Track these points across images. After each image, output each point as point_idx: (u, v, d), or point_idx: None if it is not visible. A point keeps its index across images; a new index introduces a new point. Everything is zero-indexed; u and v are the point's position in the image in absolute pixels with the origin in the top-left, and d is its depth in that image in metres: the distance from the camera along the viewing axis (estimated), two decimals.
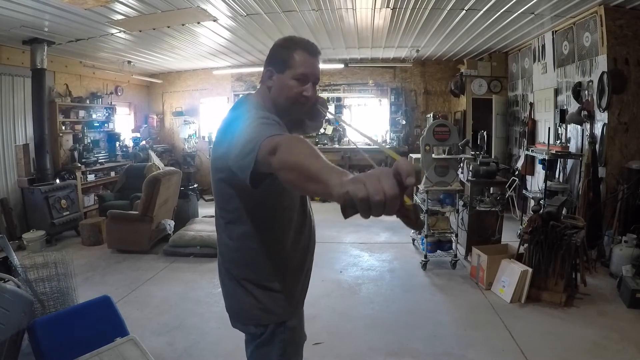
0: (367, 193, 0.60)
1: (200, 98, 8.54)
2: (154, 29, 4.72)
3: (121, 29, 4.61)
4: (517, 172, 5.56)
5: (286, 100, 1.23)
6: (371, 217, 0.63)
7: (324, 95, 7.94)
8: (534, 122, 5.61)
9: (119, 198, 5.79)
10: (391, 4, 4.13)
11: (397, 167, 0.62)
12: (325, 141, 7.90)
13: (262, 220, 1.23)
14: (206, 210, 6.31)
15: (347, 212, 0.66)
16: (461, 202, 4.14)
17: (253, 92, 1.36)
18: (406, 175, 0.61)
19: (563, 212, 3.65)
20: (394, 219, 0.68)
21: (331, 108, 7.89)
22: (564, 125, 4.64)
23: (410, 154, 4.90)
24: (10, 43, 5.04)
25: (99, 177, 6.57)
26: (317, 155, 0.80)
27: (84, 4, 3.62)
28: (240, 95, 1.28)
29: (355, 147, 7.60)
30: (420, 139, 4.09)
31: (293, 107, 1.25)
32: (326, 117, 1.53)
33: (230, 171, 1.07)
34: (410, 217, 0.67)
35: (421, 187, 4.07)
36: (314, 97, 1.28)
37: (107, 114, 7.03)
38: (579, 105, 4.35)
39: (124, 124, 7.94)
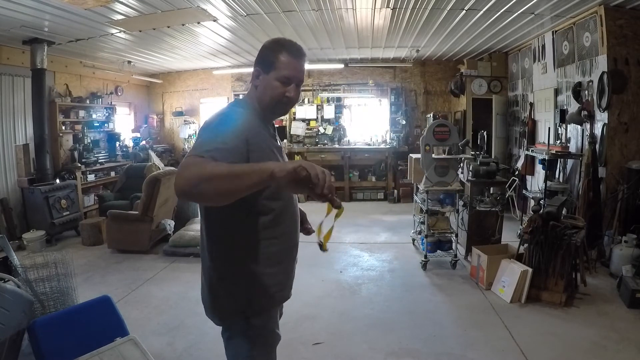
0: (315, 170, 0.87)
1: (200, 98, 8.54)
2: (154, 29, 4.73)
3: (121, 29, 4.61)
4: (517, 172, 5.56)
5: (270, 100, 1.29)
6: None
7: (324, 95, 7.94)
8: (534, 122, 5.61)
9: (119, 198, 5.79)
10: (391, 4, 4.13)
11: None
12: (325, 141, 7.88)
13: (243, 212, 1.23)
14: None
15: (295, 186, 0.89)
16: (461, 202, 4.14)
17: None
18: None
19: (563, 212, 3.64)
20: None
21: (331, 108, 7.90)
22: (564, 125, 4.64)
23: (410, 154, 4.90)
24: (10, 43, 5.04)
25: (99, 177, 6.57)
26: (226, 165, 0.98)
27: (84, 4, 3.62)
28: (240, 96, 1.32)
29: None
30: (420, 139, 4.09)
31: (276, 106, 1.30)
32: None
33: None
34: (334, 203, 0.92)
35: (421, 187, 4.07)
36: (297, 98, 1.33)
37: (107, 114, 7.03)
38: (579, 105, 4.35)
39: (124, 124, 7.95)
